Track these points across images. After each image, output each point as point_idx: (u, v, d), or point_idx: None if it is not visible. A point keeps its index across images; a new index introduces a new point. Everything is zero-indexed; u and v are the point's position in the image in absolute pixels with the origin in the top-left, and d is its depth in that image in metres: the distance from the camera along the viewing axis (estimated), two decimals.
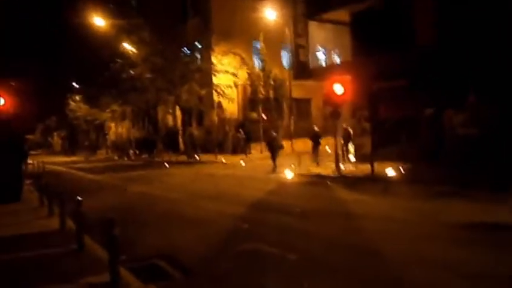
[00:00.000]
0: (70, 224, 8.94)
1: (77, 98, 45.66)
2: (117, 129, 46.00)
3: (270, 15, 27.29)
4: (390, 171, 14.92)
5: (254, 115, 30.01)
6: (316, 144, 19.72)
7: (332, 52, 33.14)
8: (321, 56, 34.20)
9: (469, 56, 14.54)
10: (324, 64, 33.01)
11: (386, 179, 13.96)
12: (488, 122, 14.70)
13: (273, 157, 19.17)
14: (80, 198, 7.55)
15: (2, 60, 13.69)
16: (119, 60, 27.80)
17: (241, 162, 23.66)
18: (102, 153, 43.52)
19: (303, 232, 8.04)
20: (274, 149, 19.47)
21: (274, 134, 20.90)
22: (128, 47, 26.90)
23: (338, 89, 16.12)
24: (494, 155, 13.58)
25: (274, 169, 18.42)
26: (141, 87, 26.70)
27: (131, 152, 36.17)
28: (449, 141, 15.88)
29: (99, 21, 26.11)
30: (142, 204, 12.07)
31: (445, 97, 15.98)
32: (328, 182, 14.57)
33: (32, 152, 45.37)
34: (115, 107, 38.20)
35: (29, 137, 46.38)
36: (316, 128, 21.05)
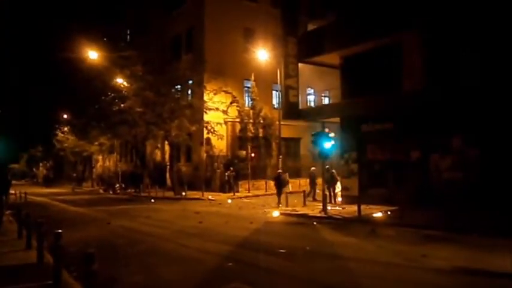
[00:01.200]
0: (48, 257, 8.67)
1: (66, 129, 45.46)
2: (104, 162, 45.60)
3: (262, 56, 27.86)
4: (377, 214, 14.92)
5: (243, 153, 30.05)
6: (313, 184, 20.21)
7: (321, 93, 33.88)
8: (310, 97, 34.93)
9: (454, 100, 14.90)
10: (313, 105, 33.64)
11: (373, 221, 13.92)
12: (473, 165, 14.90)
13: (279, 193, 19.79)
14: (59, 231, 7.35)
15: None
16: (110, 94, 27.89)
17: (228, 200, 23.48)
18: (87, 186, 42.92)
19: (287, 273, 7.89)
20: (280, 185, 19.96)
21: (281, 170, 21.17)
22: (119, 80, 27.06)
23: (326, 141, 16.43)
24: (480, 199, 13.71)
25: (278, 204, 19.10)
26: (131, 121, 26.68)
27: (117, 185, 35.74)
28: (436, 185, 15.99)
29: (92, 54, 26.33)
30: (126, 240, 11.77)
31: (431, 141, 16.23)
32: (315, 223, 14.45)
33: (15, 182, 44.55)
34: (103, 139, 38.01)
35: (13, 166, 45.62)
36: (313, 168, 21.41)
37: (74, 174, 45.48)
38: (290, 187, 21.52)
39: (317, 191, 20.74)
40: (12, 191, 31.07)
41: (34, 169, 68.41)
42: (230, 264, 8.54)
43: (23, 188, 37.68)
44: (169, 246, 10.69)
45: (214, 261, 8.82)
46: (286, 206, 18.88)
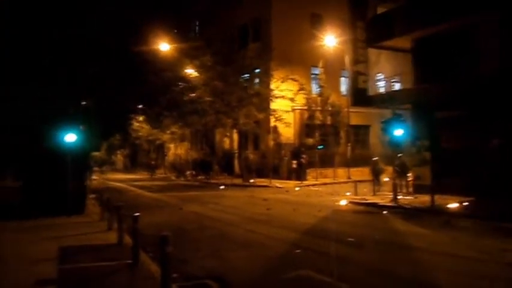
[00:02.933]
0: (127, 239, 9.28)
1: (141, 118, 47.72)
2: (175, 150, 47.43)
3: (329, 42, 27.40)
4: (452, 204, 14.26)
5: (310, 141, 29.87)
6: (376, 175, 19.58)
7: (391, 79, 32.67)
8: (380, 83, 33.82)
9: None
10: (383, 91, 32.55)
11: (447, 212, 13.34)
12: None
13: (377, 179, 19.55)
14: (136, 214, 7.85)
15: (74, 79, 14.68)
16: (180, 84, 28.88)
17: (296, 188, 23.55)
18: (160, 173, 44.93)
19: (357, 262, 7.82)
20: (377, 173, 19.72)
21: (376, 158, 20.78)
22: (189, 71, 27.92)
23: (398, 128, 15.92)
24: None
25: (374, 192, 18.63)
26: (201, 110, 27.48)
27: (188, 172, 37.07)
28: None
29: (163, 46, 27.36)
30: (196, 225, 12.26)
31: (511, 126, 15.17)
32: (385, 212, 14.12)
33: (96, 169, 47.69)
34: (175, 128, 39.49)
35: (95, 154, 48.73)
36: (375, 158, 20.75)
37: (153, 162, 47.70)
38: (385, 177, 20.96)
39: (383, 180, 20.06)
40: (95, 177, 33.38)
41: (112, 157, 72.80)
42: (298, 251, 8.62)
43: (104, 175, 40.34)
44: (239, 232, 10.98)
45: (282, 248, 8.95)
46: (355, 194, 18.59)
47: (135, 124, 48.48)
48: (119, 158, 71.78)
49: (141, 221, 7.94)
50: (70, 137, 13.38)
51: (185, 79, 28.51)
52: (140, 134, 48.00)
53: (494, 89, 14.90)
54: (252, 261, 8.05)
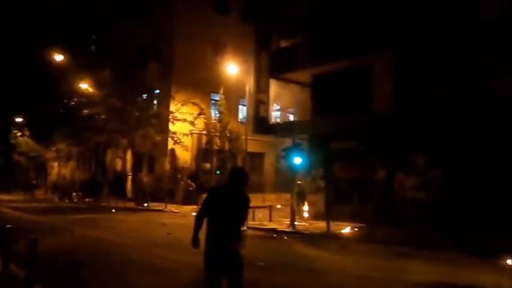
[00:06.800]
0: (13, 267, 8.21)
1: (26, 132, 43.27)
2: (60, 170, 43.86)
3: (231, 69, 27.95)
4: (345, 230, 15.19)
5: (207, 165, 29.83)
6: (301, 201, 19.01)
7: (286, 110, 34.29)
8: (276, 113, 35.25)
9: (420, 123, 15.55)
10: (278, 121, 33.95)
11: (341, 237, 14.16)
12: (436, 185, 15.52)
13: (301, 204, 18.42)
14: (33, 237, 7.02)
15: None
16: (75, 99, 27.14)
17: (193, 213, 23.11)
18: (41, 194, 41.05)
19: (271, 285, 7.86)
20: (303, 198, 18.52)
21: (300, 181, 20.36)
22: (85, 86, 26.38)
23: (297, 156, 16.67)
24: (443, 219, 14.27)
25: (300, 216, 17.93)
26: (95, 127, 25.97)
27: (74, 194, 34.44)
28: (400, 203, 16.50)
29: (57, 56, 25.56)
30: (93, 249, 11.35)
31: (396, 160, 16.78)
32: (285, 237, 14.52)
33: None
34: (62, 146, 36.65)
35: None
36: (299, 182, 20.32)
37: (34, 181, 43.26)
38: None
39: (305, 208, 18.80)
40: None
41: None
42: None
43: None
44: (144, 257, 10.39)
45: (192, 273, 8.65)
46: (253, 220, 18.82)
47: (20, 139, 43.73)
48: None
49: (23, 246, 7.05)
50: None
51: (80, 93, 26.82)
52: (23, 149, 43.46)
53: (385, 125, 16.43)
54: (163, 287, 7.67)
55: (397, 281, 8.19)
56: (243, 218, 5.14)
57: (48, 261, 8.04)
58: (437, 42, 15.48)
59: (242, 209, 5.07)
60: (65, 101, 27.54)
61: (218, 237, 4.83)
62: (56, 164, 44.26)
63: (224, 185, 5.32)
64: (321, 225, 15.82)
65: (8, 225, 8.97)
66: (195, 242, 4.97)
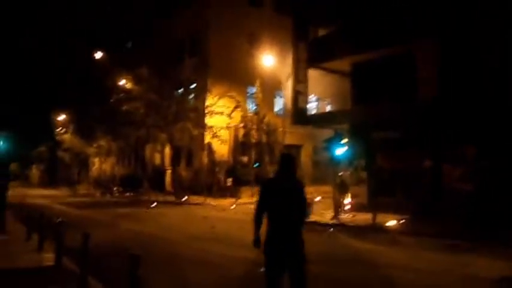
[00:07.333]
0: (65, 260, 8.34)
1: (70, 129, 44.65)
2: (100, 165, 44.97)
3: (267, 61, 27.66)
4: (391, 222, 14.71)
5: (245, 159, 29.77)
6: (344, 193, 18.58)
7: (324, 100, 33.73)
8: (313, 103, 34.76)
9: (469, 111, 14.81)
10: (315, 111, 33.44)
11: (388, 230, 13.72)
12: (485, 177, 14.78)
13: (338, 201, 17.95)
14: (86, 232, 7.06)
15: None
16: (115, 95, 27.65)
17: (232, 206, 23.14)
18: (83, 189, 42.24)
19: (332, 279, 7.68)
20: (345, 190, 17.85)
21: (342, 173, 19.97)
22: (124, 82, 26.82)
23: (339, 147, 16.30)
24: (490, 211, 13.56)
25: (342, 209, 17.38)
26: (135, 122, 26.40)
27: (115, 189, 35.22)
28: (446, 195, 15.84)
29: (97, 54, 26.13)
30: (139, 243, 11.43)
31: (442, 150, 16.11)
32: (331, 230, 14.22)
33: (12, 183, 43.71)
34: (102, 142, 37.54)
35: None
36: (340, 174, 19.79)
37: (76, 177, 44.67)
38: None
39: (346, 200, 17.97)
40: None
41: (26, 171, 67.37)
42: (262, 270, 8.24)
43: (19, 190, 37.06)
44: (190, 251, 10.36)
45: (243, 267, 8.53)
46: None
47: (65, 135, 45.10)
48: (34, 172, 66.65)
49: (74, 241, 7.05)
50: None
51: (123, 90, 27.31)
52: (67, 145, 44.80)
53: (430, 114, 15.77)
54: (216, 283, 7.57)
55: (459, 276, 7.77)
56: (303, 209, 4.83)
57: (98, 254, 8.07)
58: (494, 29, 14.60)
59: (299, 198, 4.78)
60: (110, 98, 28.05)
61: (280, 233, 4.59)
62: (97, 160, 45.42)
63: (275, 176, 5.05)
64: (364, 217, 15.40)
65: (59, 219, 9.14)
66: (256, 242, 4.74)
